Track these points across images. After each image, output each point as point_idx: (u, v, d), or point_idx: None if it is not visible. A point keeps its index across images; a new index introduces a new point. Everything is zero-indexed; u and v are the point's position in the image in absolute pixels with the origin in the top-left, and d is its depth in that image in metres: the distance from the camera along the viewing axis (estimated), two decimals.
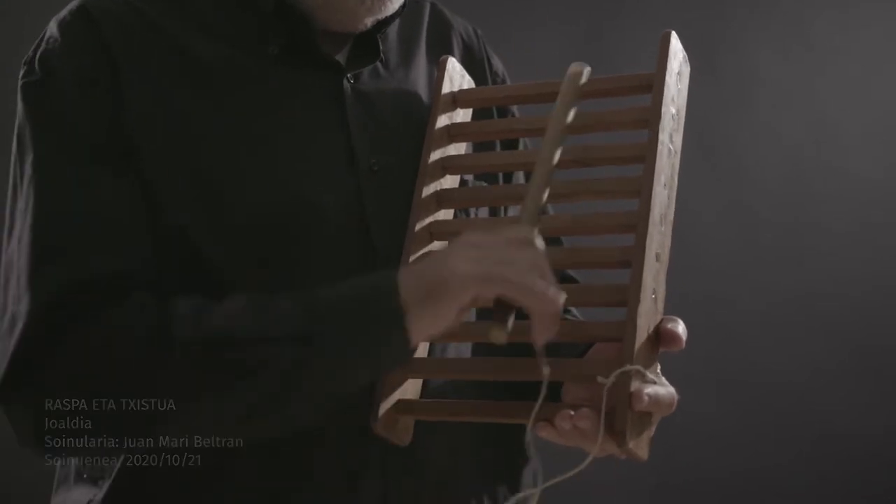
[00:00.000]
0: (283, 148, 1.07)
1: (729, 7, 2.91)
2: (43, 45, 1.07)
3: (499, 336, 0.90)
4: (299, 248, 1.04)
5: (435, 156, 1.12)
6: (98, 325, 0.96)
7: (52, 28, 1.07)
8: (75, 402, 0.95)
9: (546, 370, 0.93)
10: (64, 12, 1.08)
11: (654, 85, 1.05)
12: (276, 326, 0.95)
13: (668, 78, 1.04)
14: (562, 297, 0.90)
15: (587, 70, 1.04)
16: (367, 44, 1.14)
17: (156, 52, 1.06)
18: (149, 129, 1.03)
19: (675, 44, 1.07)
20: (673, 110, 1.05)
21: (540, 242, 0.92)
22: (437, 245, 1.10)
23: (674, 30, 1.08)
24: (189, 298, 0.98)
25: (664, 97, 1.03)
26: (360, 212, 1.07)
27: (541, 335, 0.91)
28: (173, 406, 0.95)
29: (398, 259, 1.07)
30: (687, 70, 1.09)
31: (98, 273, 0.98)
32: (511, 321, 0.91)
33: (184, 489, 1.03)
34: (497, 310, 0.91)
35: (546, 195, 0.98)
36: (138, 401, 0.95)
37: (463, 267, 0.91)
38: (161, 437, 0.98)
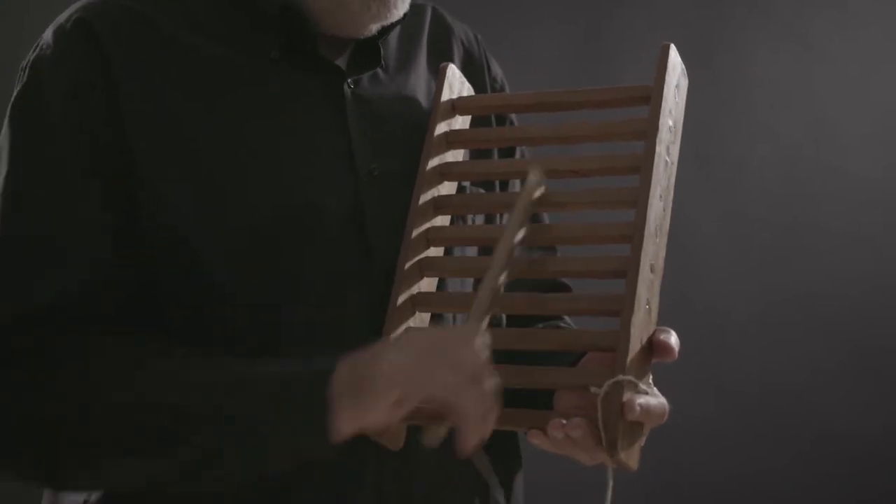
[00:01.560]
0: (284, 151, 1.07)
1: (727, 6, 2.90)
2: (37, 50, 1.08)
3: (431, 440, 0.90)
4: (299, 252, 1.05)
5: (433, 162, 1.12)
6: (32, 365, 0.99)
7: (48, 34, 1.08)
8: (5, 441, 1.00)
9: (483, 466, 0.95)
10: (61, 18, 1.08)
11: (652, 97, 1.05)
12: (205, 404, 0.95)
13: (666, 91, 1.05)
14: (491, 417, 0.89)
15: (542, 179, 1.04)
16: (368, 49, 1.14)
17: (150, 53, 1.06)
18: (145, 130, 1.03)
19: (675, 57, 1.07)
20: (670, 122, 1.06)
21: (485, 344, 0.91)
22: (433, 251, 1.10)
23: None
24: (127, 350, 1.00)
25: (662, 109, 1.04)
26: (361, 216, 1.08)
27: (466, 445, 0.89)
28: (96, 463, 0.98)
29: (395, 264, 1.07)
30: (685, 83, 1.10)
31: (39, 306, 1.00)
32: (445, 426, 0.90)
33: (181, 491, 1.04)
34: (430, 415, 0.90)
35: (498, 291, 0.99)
36: (63, 452, 0.98)
37: (394, 365, 0.89)
38: (92, 484, 1.02)
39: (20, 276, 1.02)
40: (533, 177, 1.05)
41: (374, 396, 0.90)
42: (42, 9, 1.16)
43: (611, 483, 0.98)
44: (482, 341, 0.91)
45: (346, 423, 0.91)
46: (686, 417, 2.70)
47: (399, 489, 1.08)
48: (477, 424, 0.89)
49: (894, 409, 2.89)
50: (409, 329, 0.93)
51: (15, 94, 1.07)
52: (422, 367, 0.89)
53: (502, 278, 1.00)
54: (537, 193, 1.05)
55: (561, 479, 2.09)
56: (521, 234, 1.03)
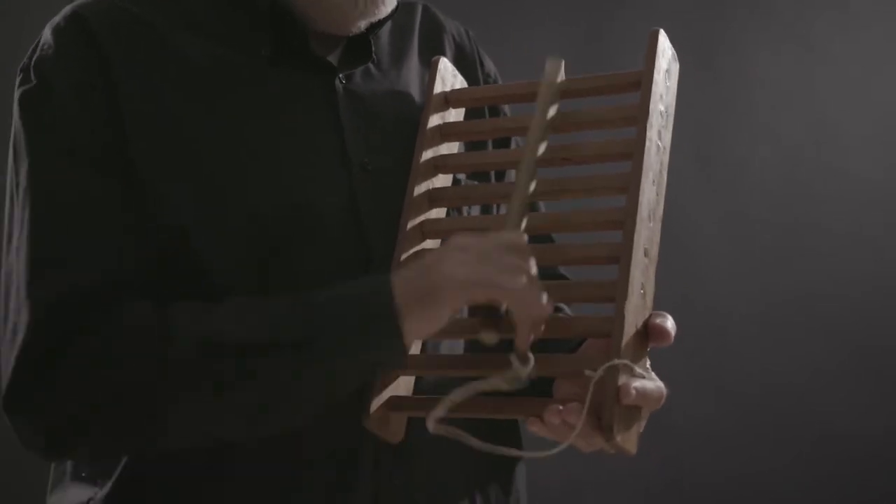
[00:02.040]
0: (279, 150, 1.07)
1: (728, 7, 2.91)
2: (38, 51, 1.08)
3: (490, 338, 0.94)
4: (296, 249, 1.05)
5: (427, 155, 1.13)
6: (97, 333, 0.97)
7: (46, 34, 1.08)
8: (79, 410, 0.97)
9: (525, 368, 0.95)
10: (58, 18, 1.09)
11: (642, 82, 1.05)
12: (274, 332, 0.96)
13: (655, 75, 1.05)
14: (549, 306, 0.94)
15: (562, 64, 1.07)
16: (359, 45, 1.15)
17: (149, 54, 1.06)
18: (144, 130, 1.04)
19: (664, 41, 1.08)
20: (661, 107, 1.06)
21: (527, 245, 0.95)
22: (429, 243, 1.10)
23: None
24: (186, 303, 0.99)
25: (652, 94, 1.04)
26: (355, 212, 1.08)
27: (524, 339, 0.94)
28: (174, 412, 0.97)
29: (391, 258, 1.07)
30: (676, 68, 1.10)
31: (95, 281, 0.99)
32: (500, 324, 0.94)
33: (183, 491, 1.05)
34: (486, 313, 0.95)
35: (530, 194, 1.01)
36: (140, 407, 0.97)
37: (456, 272, 0.93)
38: (164, 439, 1.00)
39: (66, 259, 1.01)
40: (551, 66, 1.06)
41: (439, 306, 0.94)
42: (42, 9, 1.16)
43: (558, 450, 0.97)
44: (525, 243, 0.95)
45: (415, 332, 0.96)
46: (687, 418, 2.70)
47: (396, 484, 1.08)
48: (533, 322, 0.94)
49: (894, 410, 2.89)
50: (455, 237, 0.97)
51: (22, 95, 1.07)
52: (480, 272, 0.93)
53: (532, 183, 1.03)
54: (559, 79, 1.07)
55: (561, 479, 2.09)
56: (547, 131, 1.05)
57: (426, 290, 0.94)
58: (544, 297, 0.94)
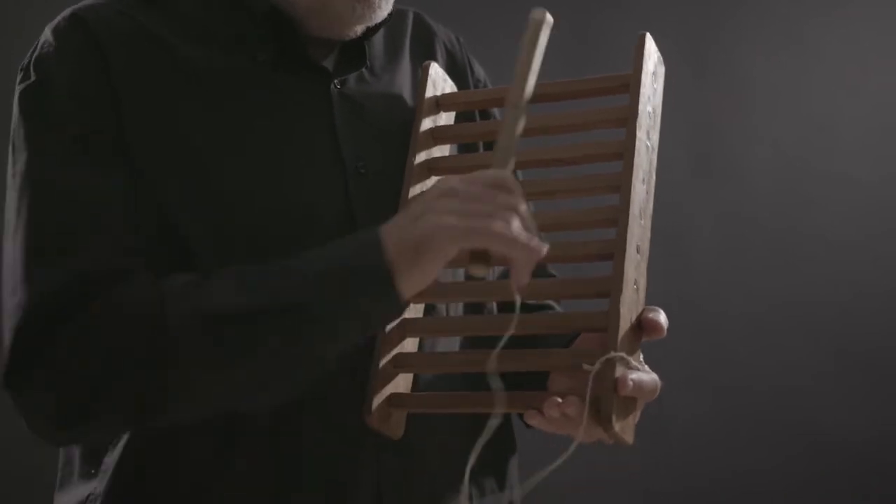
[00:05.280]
0: (275, 153, 1.09)
1: (722, 8, 2.91)
2: (38, 50, 1.09)
3: (480, 271, 0.92)
4: (294, 252, 1.07)
5: (420, 158, 1.15)
6: (96, 313, 0.98)
7: (46, 34, 1.10)
8: (82, 386, 0.97)
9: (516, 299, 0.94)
10: (57, 19, 1.10)
11: (630, 85, 1.08)
12: (273, 298, 0.96)
13: (643, 78, 1.08)
14: (544, 247, 0.92)
15: (549, 20, 1.02)
16: (353, 50, 1.17)
17: (147, 58, 1.08)
18: (143, 131, 1.05)
19: (650, 45, 1.11)
20: (649, 108, 1.09)
21: (516, 182, 0.94)
22: None
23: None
24: (183, 276, 1.00)
25: (640, 96, 1.07)
26: (350, 214, 1.10)
27: (521, 278, 0.92)
28: (176, 382, 0.97)
29: None
30: (662, 70, 1.13)
31: (93, 262, 1.00)
32: (489, 257, 0.92)
33: (182, 484, 1.06)
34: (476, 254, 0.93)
35: (518, 135, 0.98)
36: (146, 381, 0.97)
37: (445, 222, 0.91)
38: (174, 412, 0.99)
39: (63, 246, 1.02)
40: (536, 15, 1.02)
41: (431, 258, 0.93)
42: (42, 9, 1.17)
43: (572, 449, 0.99)
44: (513, 180, 0.93)
45: (410, 285, 0.95)
46: (682, 418, 2.70)
47: (398, 479, 1.10)
48: (528, 259, 0.91)
49: (888, 413, 2.89)
50: (440, 180, 0.95)
51: (22, 92, 1.09)
52: (471, 220, 0.91)
53: (521, 123, 0.98)
54: (544, 33, 1.03)
55: (559, 479, 2.11)
56: (533, 79, 1.00)
57: (417, 243, 0.92)
58: (539, 243, 0.91)
